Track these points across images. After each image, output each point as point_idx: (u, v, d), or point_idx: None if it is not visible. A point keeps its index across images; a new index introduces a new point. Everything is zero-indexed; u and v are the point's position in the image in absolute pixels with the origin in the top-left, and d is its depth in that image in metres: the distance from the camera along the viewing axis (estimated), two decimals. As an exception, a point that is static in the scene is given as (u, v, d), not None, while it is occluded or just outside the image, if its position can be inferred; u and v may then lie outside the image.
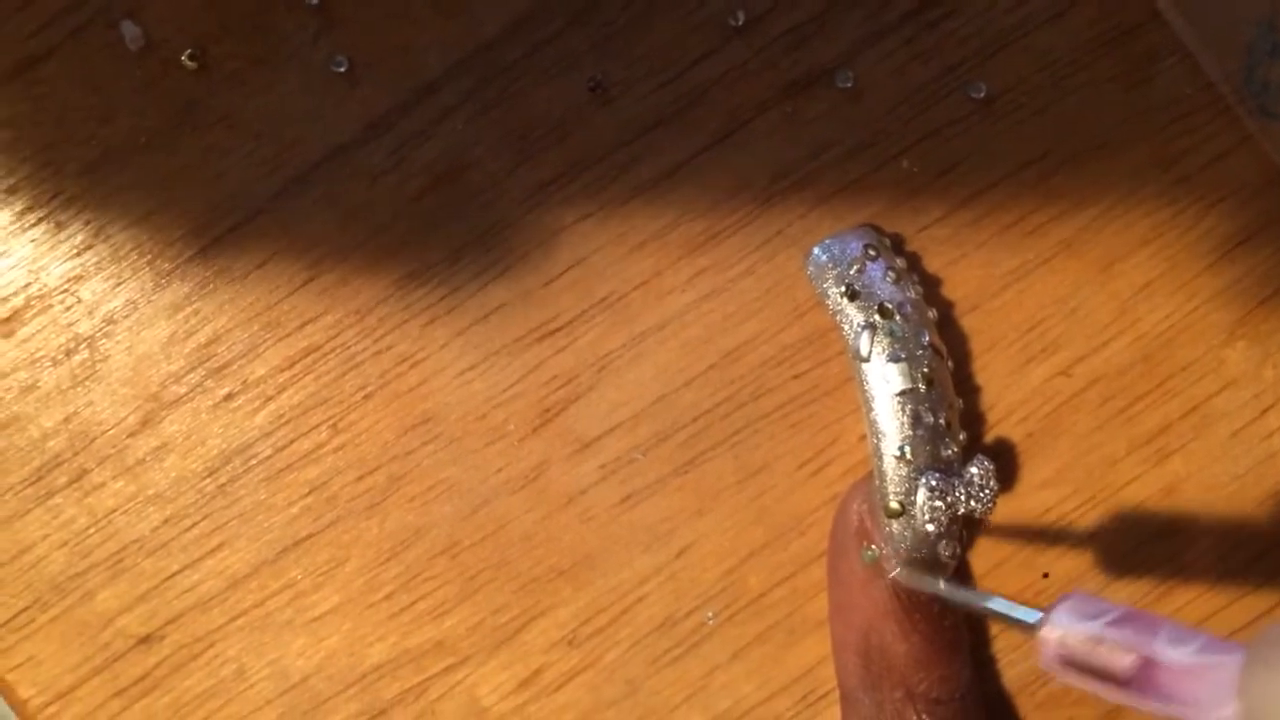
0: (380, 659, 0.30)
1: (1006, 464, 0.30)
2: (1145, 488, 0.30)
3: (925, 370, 0.27)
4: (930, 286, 0.30)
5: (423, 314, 0.30)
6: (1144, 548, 0.30)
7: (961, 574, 0.30)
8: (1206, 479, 0.30)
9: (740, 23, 0.29)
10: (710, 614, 0.30)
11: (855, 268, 0.28)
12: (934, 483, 0.27)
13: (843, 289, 0.28)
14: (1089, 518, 0.30)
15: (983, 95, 0.29)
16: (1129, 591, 0.30)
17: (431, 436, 0.30)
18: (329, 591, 0.30)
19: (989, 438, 0.30)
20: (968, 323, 0.30)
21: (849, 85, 0.29)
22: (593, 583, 0.30)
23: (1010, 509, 0.30)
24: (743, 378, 0.30)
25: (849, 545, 0.29)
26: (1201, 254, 0.30)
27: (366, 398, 0.30)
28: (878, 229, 0.29)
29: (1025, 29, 0.29)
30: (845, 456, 0.30)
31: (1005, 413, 0.30)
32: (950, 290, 0.30)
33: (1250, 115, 0.29)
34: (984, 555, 0.30)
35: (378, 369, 0.30)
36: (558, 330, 0.30)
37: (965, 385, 0.30)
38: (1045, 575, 0.30)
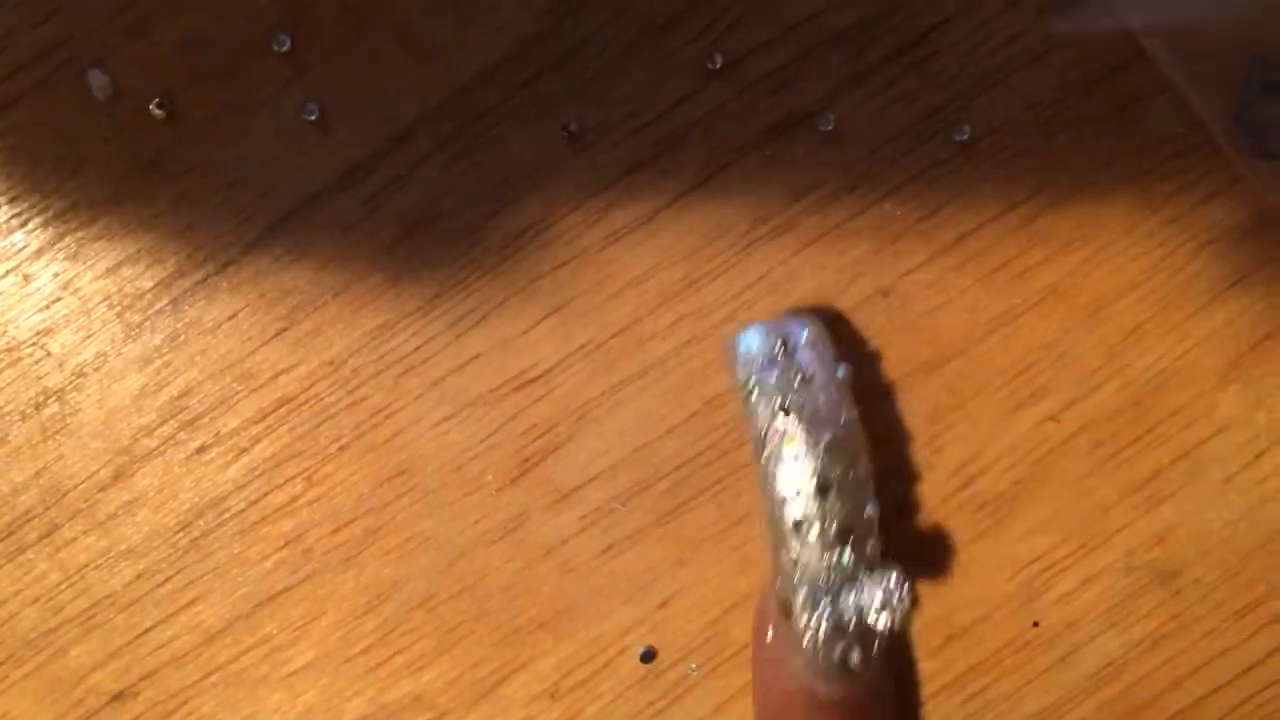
0: (358, 714, 0.30)
1: (995, 511, 0.29)
2: (1136, 534, 0.29)
3: (820, 477, 0.26)
4: (913, 332, 0.29)
5: (397, 364, 0.29)
6: (1136, 595, 0.29)
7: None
8: (1199, 525, 0.29)
9: (718, 66, 0.29)
10: (694, 665, 0.30)
11: (760, 365, 0.27)
12: (813, 594, 0.26)
13: (745, 386, 0.27)
14: (1079, 565, 0.29)
15: (966, 137, 0.29)
16: (1123, 640, 0.29)
17: (408, 488, 0.29)
18: (305, 646, 0.30)
19: (976, 485, 0.29)
20: (953, 368, 0.29)
21: (830, 128, 0.29)
22: (574, 634, 0.30)
23: (999, 556, 0.29)
24: (725, 425, 0.30)
25: (761, 625, 0.28)
26: (1192, 297, 0.29)
27: (341, 450, 0.29)
28: (813, 312, 0.29)
29: (1009, 70, 0.29)
30: (830, 505, 0.29)
31: (993, 459, 0.29)
32: (935, 335, 0.29)
33: (1241, 155, 0.29)
34: (971, 605, 0.29)
35: (352, 421, 0.29)
36: (535, 379, 0.29)
37: (951, 433, 0.29)
38: (1035, 624, 0.29)
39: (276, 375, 0.29)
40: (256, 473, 0.29)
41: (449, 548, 0.30)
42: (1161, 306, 0.29)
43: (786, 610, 0.26)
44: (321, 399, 0.29)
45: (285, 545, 0.30)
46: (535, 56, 0.29)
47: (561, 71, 0.29)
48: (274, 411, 0.29)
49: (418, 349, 0.29)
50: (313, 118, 0.29)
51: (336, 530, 0.30)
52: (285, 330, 0.29)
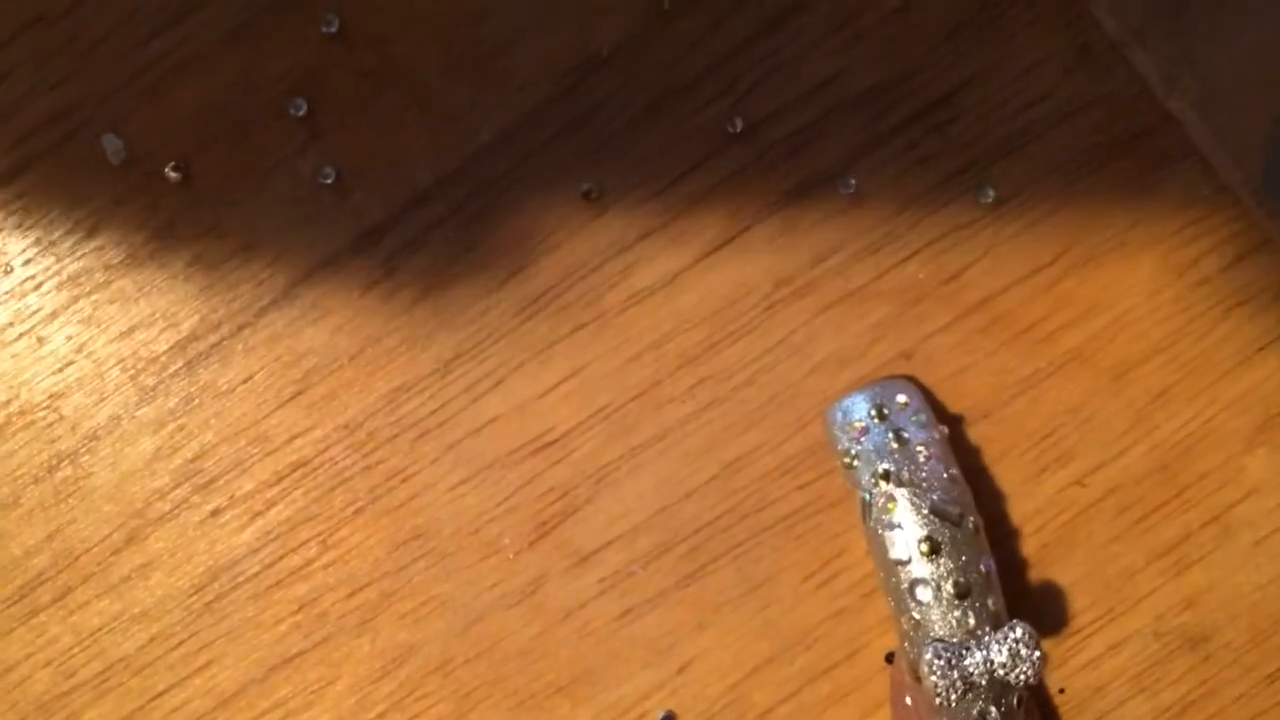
0: (373, 781, 0.29)
1: (1021, 576, 0.29)
2: (1165, 599, 0.29)
3: (929, 539, 0.26)
4: (939, 395, 0.29)
5: (413, 428, 0.29)
6: (1166, 661, 0.29)
7: None
8: (1229, 590, 0.29)
9: (738, 129, 0.28)
10: (714, 731, 0.29)
11: (858, 432, 0.27)
12: (937, 654, 0.26)
13: (845, 454, 0.27)
14: (1107, 631, 0.29)
15: (991, 199, 0.29)
16: (1152, 705, 0.29)
17: (424, 552, 0.29)
18: (319, 711, 0.29)
19: (1002, 549, 0.29)
20: (978, 431, 0.29)
21: (851, 191, 0.29)
22: (592, 699, 0.29)
23: (1025, 621, 0.29)
24: (745, 489, 0.29)
25: (897, 693, 0.28)
26: (1219, 360, 0.29)
27: (357, 513, 0.29)
28: (908, 379, 0.29)
29: (1033, 133, 0.29)
30: (852, 569, 0.29)
31: (1019, 523, 0.29)
32: (960, 399, 0.29)
33: (1269, 217, 0.28)
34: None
35: (368, 484, 0.29)
36: (553, 442, 0.29)
37: (978, 496, 0.29)
38: (1061, 690, 0.29)
39: (292, 438, 0.29)
40: (271, 536, 0.29)
41: (466, 611, 0.29)
42: (1188, 370, 0.29)
43: (916, 674, 0.26)
44: (337, 462, 0.29)
45: (300, 609, 0.29)
46: (552, 119, 0.29)
47: (579, 134, 0.29)
48: (289, 475, 0.29)
49: (434, 412, 0.29)
50: (329, 181, 0.29)
51: (352, 594, 0.29)
52: (300, 393, 0.29)
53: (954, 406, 0.29)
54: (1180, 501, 0.29)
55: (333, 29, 0.29)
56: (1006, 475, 0.29)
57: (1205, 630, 0.29)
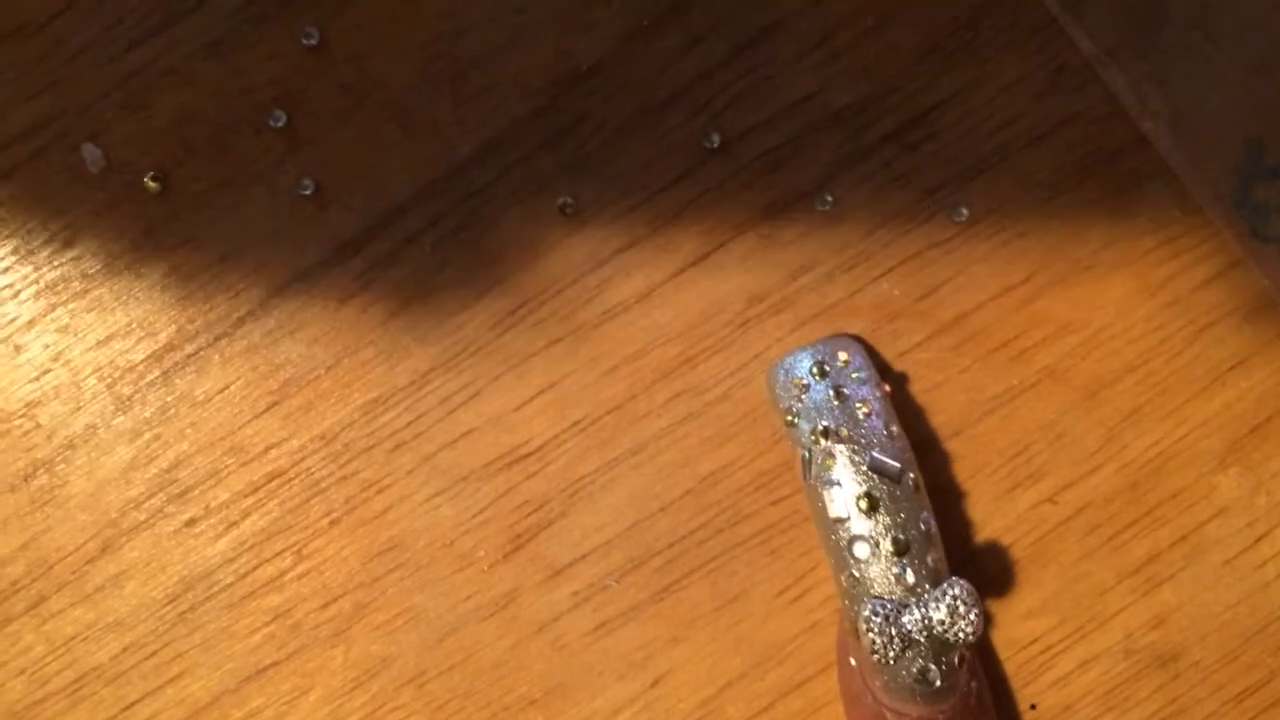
0: (345, 792, 0.29)
1: (992, 593, 0.29)
2: (1135, 617, 0.29)
3: (867, 495, 0.26)
4: (911, 411, 0.29)
5: (389, 439, 0.29)
6: (1135, 679, 0.29)
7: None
8: (1198, 608, 0.29)
9: (715, 145, 0.29)
10: (687, 745, 0.29)
11: (799, 390, 0.27)
12: (875, 611, 0.26)
13: (787, 412, 0.27)
14: (1077, 648, 0.29)
15: (965, 218, 0.29)
16: (1121, 723, 0.29)
17: (398, 564, 0.29)
18: (293, 722, 0.29)
19: (973, 565, 0.29)
20: (951, 448, 0.29)
21: (827, 208, 0.29)
22: (565, 712, 0.29)
23: (996, 639, 0.29)
24: (719, 503, 0.29)
25: (842, 653, 0.28)
26: (1191, 380, 0.29)
27: (332, 524, 0.29)
28: (852, 337, 0.29)
29: (1007, 152, 0.29)
30: (825, 584, 0.29)
31: (990, 540, 0.29)
32: (933, 415, 0.29)
33: (1240, 238, 0.29)
34: (969, 688, 0.29)
35: (343, 495, 0.29)
36: (529, 455, 0.29)
37: (949, 512, 0.29)
38: (1033, 707, 0.29)
39: (267, 449, 0.29)
40: (246, 546, 0.29)
41: (439, 624, 0.29)
42: (1160, 390, 0.29)
43: (857, 633, 0.26)
44: (312, 473, 0.29)
45: (274, 619, 0.29)
46: (531, 134, 0.29)
47: (557, 149, 0.29)
48: (264, 485, 0.29)
49: (410, 424, 0.29)
50: (307, 193, 0.29)
51: (326, 605, 0.29)
52: (277, 404, 0.29)
53: (927, 423, 0.29)
54: (1151, 520, 0.29)
55: (312, 42, 0.29)
56: (978, 492, 0.29)
57: (1175, 649, 0.29)
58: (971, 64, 0.29)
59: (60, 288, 0.29)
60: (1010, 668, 0.29)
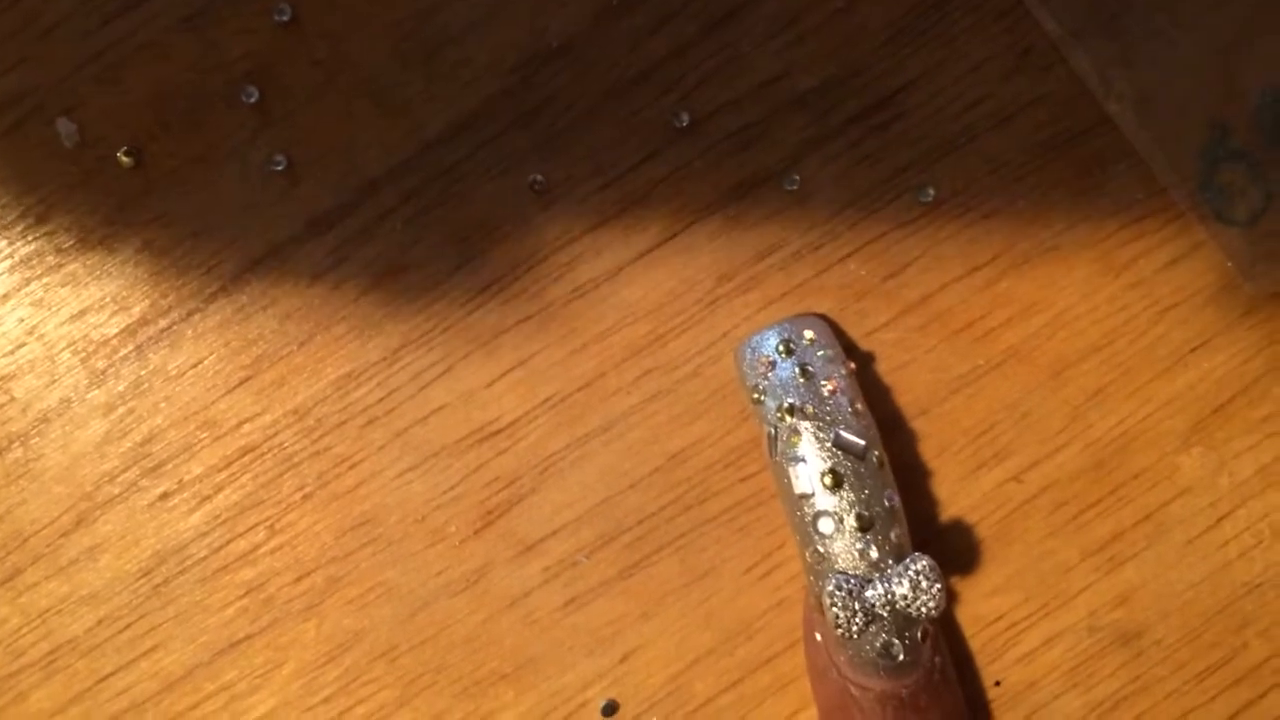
0: (317, 764, 0.29)
1: (957, 570, 0.29)
2: (1098, 596, 0.29)
3: (832, 472, 0.26)
4: (877, 390, 0.29)
5: (361, 415, 0.29)
6: (1098, 657, 0.29)
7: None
8: (1161, 587, 0.29)
9: (684, 124, 0.29)
10: (655, 720, 0.29)
11: (765, 367, 0.27)
12: (838, 586, 0.26)
13: (754, 390, 0.27)
14: (1041, 625, 0.29)
15: (931, 199, 0.29)
16: (1084, 700, 0.29)
17: (370, 538, 0.29)
18: (265, 695, 0.29)
19: (939, 543, 0.29)
20: (916, 427, 0.29)
21: (794, 188, 0.29)
22: (536, 687, 0.30)
23: (961, 616, 0.29)
24: (689, 480, 0.29)
25: (808, 628, 0.28)
26: (1154, 360, 0.29)
27: (305, 499, 0.29)
28: (818, 316, 0.29)
29: (973, 133, 0.29)
30: (793, 561, 0.29)
31: (955, 518, 0.29)
32: (899, 394, 0.29)
33: (1204, 220, 0.29)
34: (934, 664, 0.29)
35: (316, 470, 0.29)
36: (499, 432, 0.29)
37: (914, 490, 0.29)
38: (997, 683, 0.29)
39: (240, 424, 0.29)
40: (219, 520, 0.29)
41: (411, 598, 0.29)
42: (1124, 370, 0.29)
43: (822, 608, 0.26)
44: (285, 448, 0.29)
45: (247, 593, 0.29)
46: (502, 112, 0.29)
47: (528, 127, 0.29)
48: (237, 460, 0.29)
49: (382, 400, 0.29)
50: (280, 169, 0.29)
51: (298, 579, 0.29)
52: (250, 379, 0.29)
53: (892, 402, 0.29)
54: (1115, 499, 0.29)
55: (285, 18, 0.29)
56: (943, 471, 0.29)
57: (1138, 627, 0.29)
58: (938, 45, 0.29)
59: (34, 262, 0.29)
60: (975, 644, 0.29)
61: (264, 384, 0.29)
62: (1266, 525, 0.29)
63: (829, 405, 0.27)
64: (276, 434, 0.29)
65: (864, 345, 0.29)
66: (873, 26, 0.29)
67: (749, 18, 0.29)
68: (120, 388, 0.29)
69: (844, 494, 0.26)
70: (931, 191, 0.29)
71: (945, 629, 0.29)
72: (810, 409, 0.27)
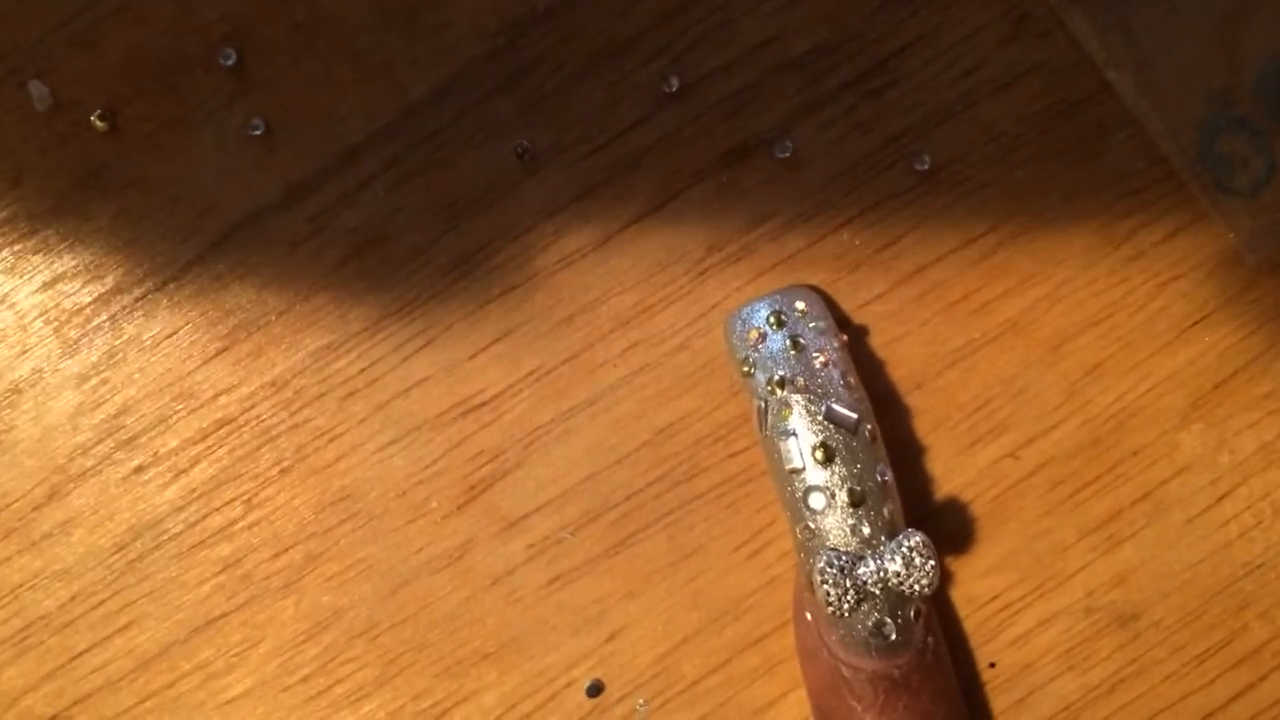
0: (295, 745, 0.29)
1: (951, 549, 0.29)
2: (1096, 576, 0.29)
3: (823, 446, 0.26)
4: (871, 364, 0.28)
5: (341, 387, 0.29)
6: (1095, 638, 0.29)
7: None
8: (1159, 567, 0.29)
9: (674, 89, 0.28)
10: (641, 701, 0.29)
11: (756, 339, 0.27)
12: (829, 563, 0.25)
13: (744, 362, 0.27)
14: (1037, 606, 0.29)
15: (927, 167, 0.28)
16: (1081, 683, 0.29)
17: (350, 514, 0.29)
18: (242, 673, 0.29)
19: (933, 521, 0.29)
20: (911, 402, 0.29)
21: (787, 155, 0.28)
22: (519, 666, 0.29)
23: (955, 596, 0.29)
24: (677, 455, 0.29)
25: (798, 607, 0.28)
26: (1154, 334, 0.29)
27: (283, 473, 0.29)
28: (809, 287, 0.28)
29: (971, 100, 0.28)
30: (783, 538, 0.29)
31: (950, 495, 0.29)
32: (893, 369, 0.29)
33: (1205, 191, 0.28)
34: (926, 645, 0.29)
35: (294, 443, 0.29)
36: (483, 405, 0.29)
37: (909, 467, 0.29)
38: (992, 665, 0.29)
39: (217, 395, 0.29)
40: (195, 494, 0.29)
41: (392, 575, 0.29)
42: (1123, 344, 0.29)
43: (812, 586, 0.26)
44: (263, 420, 0.29)
45: (224, 569, 0.29)
46: (486, 76, 0.29)
47: (513, 92, 0.29)
48: (214, 432, 0.29)
49: (362, 371, 0.29)
50: (258, 133, 0.28)
51: (276, 555, 0.29)
52: (226, 350, 0.29)
53: (887, 376, 0.29)
54: (1113, 477, 0.29)
55: (264, -21, 0.28)
56: (939, 447, 0.29)
57: (1135, 608, 0.29)
58: (933, 10, 0.28)
59: (5, 228, 0.29)
60: (969, 625, 0.29)
61: (241, 355, 0.29)
62: (1267, 504, 0.29)
63: (820, 378, 0.26)
64: (254, 406, 0.29)
65: (857, 318, 0.29)
66: (867, -11, 0.29)
67: (740, -20, 0.29)
68: (94, 358, 0.29)
69: (835, 469, 0.26)
70: (927, 159, 0.28)
71: (939, 609, 0.29)
72: (801, 382, 0.26)
